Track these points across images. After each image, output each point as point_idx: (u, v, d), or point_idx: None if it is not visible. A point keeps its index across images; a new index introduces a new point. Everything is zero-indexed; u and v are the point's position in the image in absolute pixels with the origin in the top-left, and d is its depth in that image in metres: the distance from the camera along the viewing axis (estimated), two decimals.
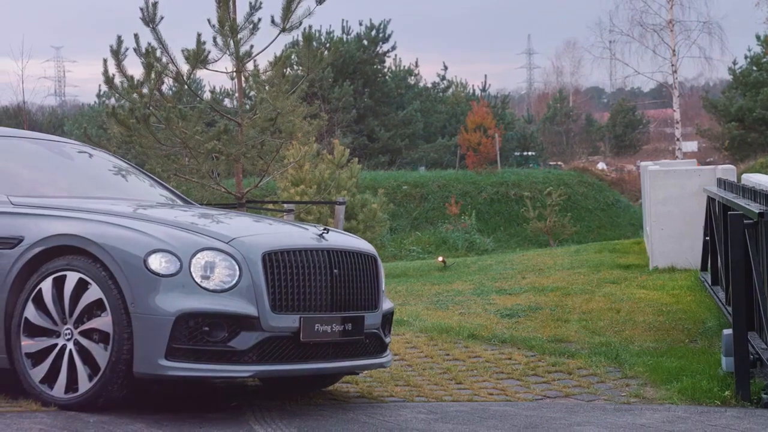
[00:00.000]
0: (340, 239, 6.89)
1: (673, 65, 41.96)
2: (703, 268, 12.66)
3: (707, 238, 12.32)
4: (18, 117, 45.40)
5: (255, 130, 11.95)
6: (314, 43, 19.42)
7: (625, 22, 45.47)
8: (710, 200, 11.83)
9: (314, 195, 18.86)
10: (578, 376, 8.18)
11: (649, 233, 15.07)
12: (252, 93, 13.49)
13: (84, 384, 6.10)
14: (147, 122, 11.48)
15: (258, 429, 5.99)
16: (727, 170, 13.35)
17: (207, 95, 13.40)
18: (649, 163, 19.55)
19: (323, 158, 20.50)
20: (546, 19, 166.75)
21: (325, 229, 6.89)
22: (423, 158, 54.92)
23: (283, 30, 12.00)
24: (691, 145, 63.14)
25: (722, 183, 10.93)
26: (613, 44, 46.72)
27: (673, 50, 42.04)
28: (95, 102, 59.48)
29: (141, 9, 11.50)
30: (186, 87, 12.12)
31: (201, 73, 11.98)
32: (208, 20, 11.81)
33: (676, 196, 14.03)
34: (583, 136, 72.01)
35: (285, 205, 13.29)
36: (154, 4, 11.51)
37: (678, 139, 42.10)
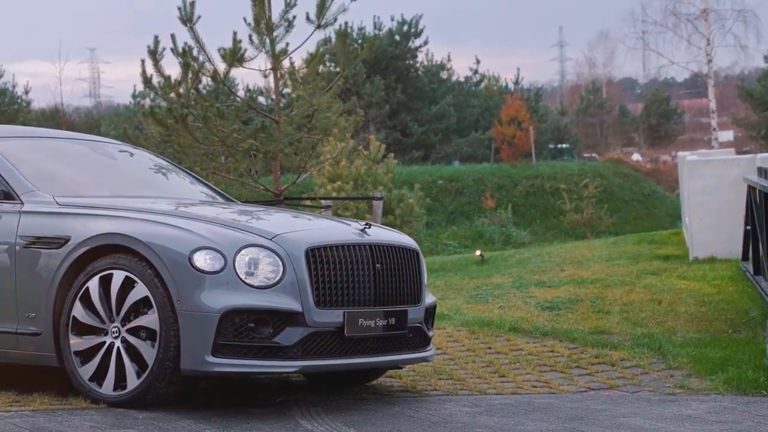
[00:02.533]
0: (382, 234, 6.92)
1: (707, 54, 41.72)
2: (745, 257, 12.59)
3: (748, 227, 12.25)
4: (55, 119, 45.75)
5: (292, 127, 11.99)
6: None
7: (659, 12, 45.30)
8: (750, 189, 11.77)
9: (351, 191, 18.91)
10: (622, 368, 8.16)
11: (688, 224, 15.01)
12: (286, 90, 13.53)
13: (132, 381, 6.16)
14: (185, 121, 11.55)
15: (304, 424, 6.02)
16: (766, 159, 13.27)
17: (240, 94, 13.49)
18: (687, 153, 19.45)
19: (359, 154, 20.54)
20: (577, 11, 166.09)
21: (367, 224, 6.92)
22: (457, 152, 54.86)
23: (318, 27, 12.04)
24: (727, 135, 62.77)
25: (763, 172, 10.86)
26: (647, 34, 46.52)
27: (708, 39, 41.80)
28: (130, 102, 59.81)
29: (179, 8, 11.57)
30: (223, 85, 12.18)
31: (233, 72, 12.02)
32: (244, 18, 11.87)
33: (714, 186, 13.96)
34: (617, 127, 71.73)
35: (322, 202, 13.33)
36: (192, 4, 11.58)
37: (714, 129, 41.86)
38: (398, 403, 6.85)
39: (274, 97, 12.71)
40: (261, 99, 16.87)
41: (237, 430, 5.80)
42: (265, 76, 12.70)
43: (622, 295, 11.51)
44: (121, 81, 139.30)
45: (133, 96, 58.37)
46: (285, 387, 7.43)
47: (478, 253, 18.69)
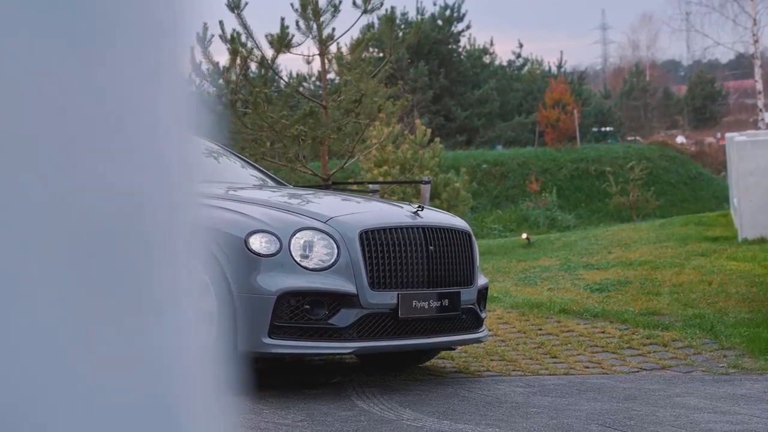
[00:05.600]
0: (434, 216, 6.96)
1: (754, 35, 41.33)
2: None
3: None
4: None
5: (339, 112, 12.05)
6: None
7: None
8: None
9: (398, 175, 18.94)
10: (674, 348, 8.17)
11: (737, 205, 14.93)
12: (330, 76, 13.58)
13: None
14: (234, 107, 11.63)
15: (360, 404, 6.09)
16: None
17: (285, 79, 13.58)
18: (735, 134, 19.32)
19: (405, 139, 20.57)
20: None
21: (419, 206, 6.97)
22: (500, 137, 54.73)
23: (365, 12, 12.06)
24: None
25: None
26: (691, 15, 46.15)
27: (754, 19, 41.40)
28: None
29: None
30: (271, 71, 12.25)
31: (278, 59, 12.05)
32: (291, 4, 11.91)
33: (764, 167, 13.87)
34: (661, 110, 71.22)
35: (370, 186, 13.38)
36: None
37: (761, 110, 41.48)
38: (452, 383, 6.90)
39: (317, 82, 12.77)
40: (305, 85, 16.92)
41: (295, 410, 5.87)
42: (309, 62, 12.73)
43: (671, 276, 11.48)
44: None
45: None
46: (339, 368, 7.50)
47: (524, 236, 18.66)
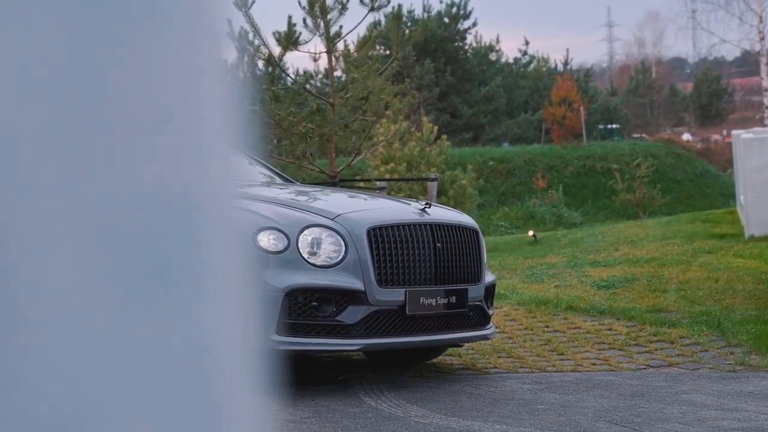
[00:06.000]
0: (441, 213, 6.98)
1: (760, 32, 41.28)
2: None
3: None
4: None
5: (347, 109, 12.06)
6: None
7: None
8: None
9: (404, 172, 18.97)
10: (681, 345, 8.17)
11: (743, 202, 14.92)
12: (337, 73, 13.60)
13: None
14: (241, 105, 11.64)
15: (368, 401, 6.10)
16: None
17: (293, 77, 13.62)
18: (742, 131, 19.31)
19: (412, 136, 20.59)
20: None
21: (427, 203, 6.98)
22: (506, 134, 54.71)
23: (372, 9, 12.07)
24: None
25: None
26: (697, 13, 46.10)
27: (760, 17, 41.35)
28: None
29: None
30: (279, 69, 12.27)
31: (285, 56, 12.07)
32: (299, 2, 11.93)
33: None
34: (667, 107, 71.14)
35: (377, 183, 13.39)
36: None
37: (767, 107, 41.44)
38: (459, 380, 6.92)
39: (324, 80, 12.79)
40: (311, 82, 16.93)
41: (304, 406, 5.89)
42: (316, 60, 12.75)
43: (678, 273, 11.49)
44: None
45: None
46: (346, 365, 7.52)
47: (531, 233, 18.66)
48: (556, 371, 7.42)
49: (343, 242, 6.32)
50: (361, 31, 12.68)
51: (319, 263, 6.25)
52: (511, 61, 60.98)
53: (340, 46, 12.45)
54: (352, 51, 12.45)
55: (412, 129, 21.21)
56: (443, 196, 20.11)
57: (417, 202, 7.18)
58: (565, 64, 64.29)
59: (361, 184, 14.70)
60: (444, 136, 21.70)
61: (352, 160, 12.79)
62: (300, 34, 11.77)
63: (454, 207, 20.35)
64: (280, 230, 6.24)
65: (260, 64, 12.41)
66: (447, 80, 51.79)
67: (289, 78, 13.24)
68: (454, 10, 53.06)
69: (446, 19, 52.97)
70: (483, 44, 56.49)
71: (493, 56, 57.66)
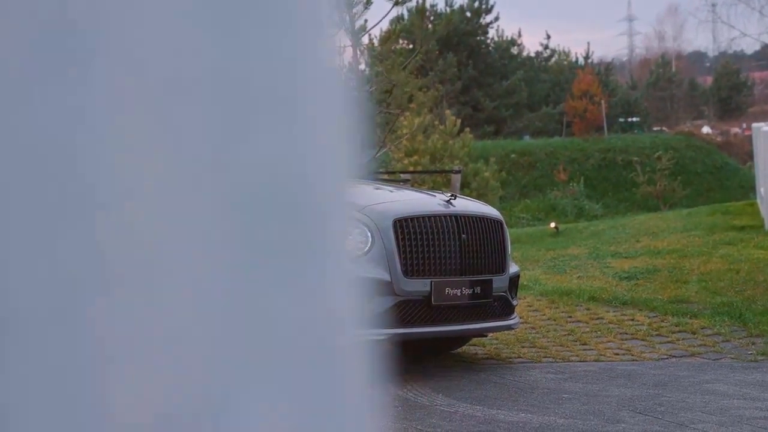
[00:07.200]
0: (466, 205, 7.08)
1: None
2: None
3: None
4: None
5: (371, 103, 12.17)
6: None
7: None
8: None
9: (428, 165, 19.06)
10: (702, 336, 8.25)
11: (764, 194, 14.96)
12: (361, 67, 13.70)
13: None
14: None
15: (394, 390, 6.21)
16: None
17: None
18: (762, 124, 19.31)
19: (435, 129, 20.68)
20: None
21: (452, 195, 7.08)
22: (528, 127, 54.70)
23: (396, 3, 12.18)
24: None
25: None
26: (717, 7, 45.96)
27: None
28: None
29: None
30: None
31: None
32: None
33: None
34: (687, 100, 70.95)
35: (401, 175, 13.50)
36: None
37: None
38: (484, 370, 7.02)
39: (348, 73, 12.89)
40: None
41: None
42: (340, 54, 12.85)
43: (699, 264, 11.55)
44: None
45: None
46: None
47: (552, 225, 18.73)
48: (580, 361, 7.51)
49: (369, 233, 6.43)
50: (385, 25, 12.76)
51: None
52: (532, 55, 60.95)
53: (365, 40, 12.55)
54: (376, 45, 12.54)
55: (435, 122, 21.31)
56: (466, 189, 20.20)
57: (442, 193, 7.28)
58: (586, 57, 64.18)
59: (386, 177, 14.81)
60: (467, 129, 21.79)
61: (377, 153, 12.90)
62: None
63: (478, 199, 20.41)
64: None
65: None
66: (469, 74, 51.82)
67: None
68: (477, 4, 53.09)
69: (468, 14, 53.00)
70: (505, 38, 56.49)
71: (514, 50, 57.64)
